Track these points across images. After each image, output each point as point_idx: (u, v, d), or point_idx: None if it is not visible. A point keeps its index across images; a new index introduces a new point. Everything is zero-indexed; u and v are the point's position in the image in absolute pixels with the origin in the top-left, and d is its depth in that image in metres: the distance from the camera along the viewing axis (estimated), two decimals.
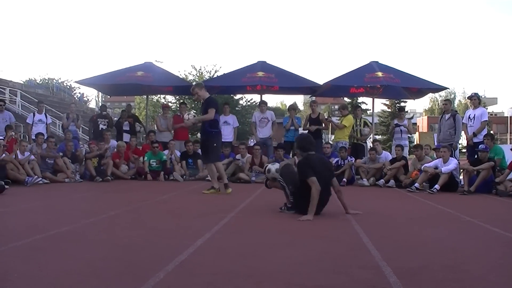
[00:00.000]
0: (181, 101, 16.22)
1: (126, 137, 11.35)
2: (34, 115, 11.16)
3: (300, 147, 4.93)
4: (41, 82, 44.35)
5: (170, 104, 24.24)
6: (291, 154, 10.50)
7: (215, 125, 7.23)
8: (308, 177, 4.57)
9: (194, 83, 17.92)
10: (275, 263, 2.91)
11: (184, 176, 9.89)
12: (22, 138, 12.42)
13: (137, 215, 5.03)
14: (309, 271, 2.73)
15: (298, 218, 4.56)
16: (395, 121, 11.05)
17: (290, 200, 4.95)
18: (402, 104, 30.93)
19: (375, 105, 12.70)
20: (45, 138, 9.83)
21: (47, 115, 11.60)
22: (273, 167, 5.63)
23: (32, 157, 8.73)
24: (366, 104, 31.86)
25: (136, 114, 17.45)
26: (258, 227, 4.35)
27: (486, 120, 9.51)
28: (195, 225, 4.30)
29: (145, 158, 10.02)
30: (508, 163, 8.05)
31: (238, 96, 27.43)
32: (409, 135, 11.22)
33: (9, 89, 23.51)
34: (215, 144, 7.19)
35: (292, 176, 4.98)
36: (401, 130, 10.68)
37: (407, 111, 20.29)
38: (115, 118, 13.14)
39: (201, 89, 7.28)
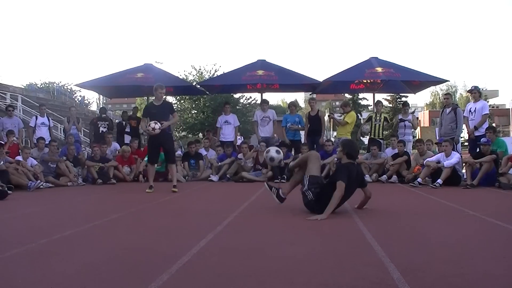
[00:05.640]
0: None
1: (127, 138, 11.38)
2: (36, 118, 11.16)
3: (348, 154, 4.95)
4: (42, 86, 44.35)
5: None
6: (293, 152, 10.51)
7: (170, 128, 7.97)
8: (339, 180, 4.63)
9: (195, 82, 17.90)
10: (279, 261, 2.91)
11: (187, 177, 9.91)
12: (24, 143, 12.41)
13: (141, 217, 5.04)
14: (313, 269, 2.73)
15: (307, 217, 4.54)
16: (400, 116, 11.03)
17: (311, 195, 4.89)
18: (403, 98, 30.94)
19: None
20: (47, 142, 9.84)
21: (49, 118, 11.58)
22: (276, 155, 5.75)
23: (35, 162, 8.73)
24: (367, 100, 31.80)
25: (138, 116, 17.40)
26: (261, 226, 4.36)
27: (487, 113, 9.48)
28: (198, 226, 4.31)
29: (145, 159, 10.03)
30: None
31: (238, 95, 27.42)
32: (413, 130, 11.19)
33: (10, 94, 23.52)
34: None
35: (320, 179, 5.08)
36: (405, 125, 10.67)
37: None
38: (116, 120, 13.14)
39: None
